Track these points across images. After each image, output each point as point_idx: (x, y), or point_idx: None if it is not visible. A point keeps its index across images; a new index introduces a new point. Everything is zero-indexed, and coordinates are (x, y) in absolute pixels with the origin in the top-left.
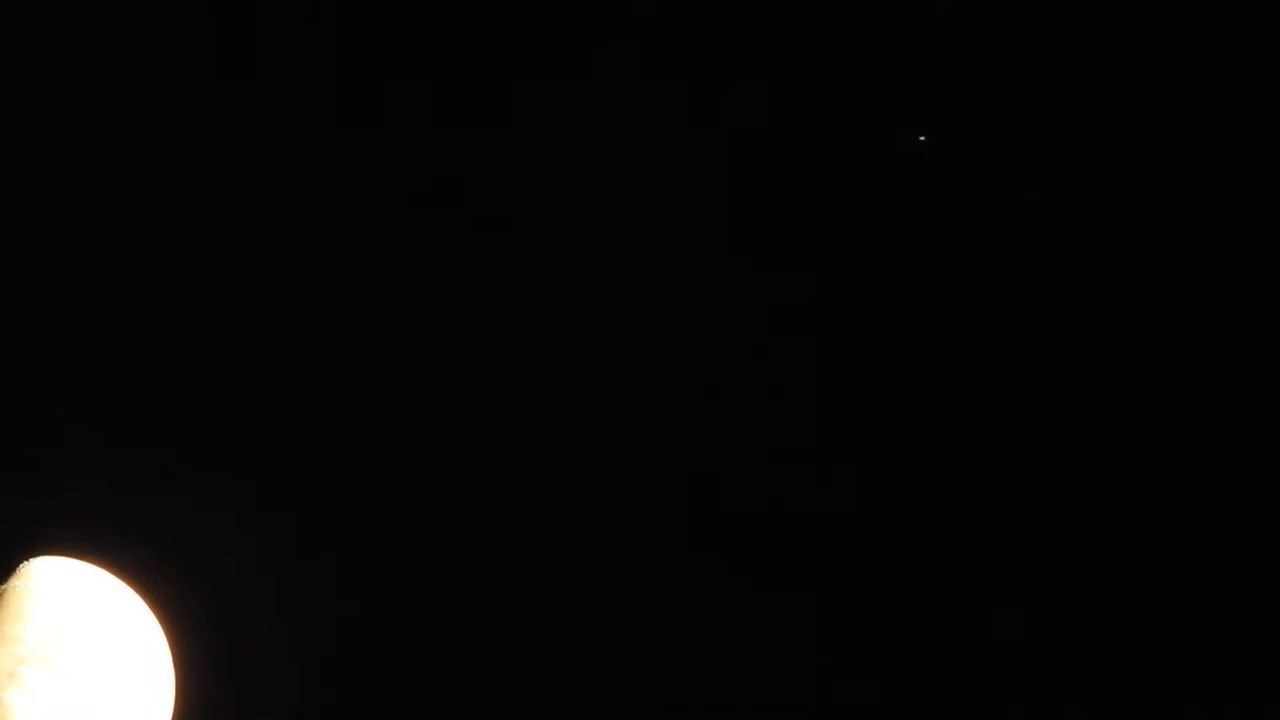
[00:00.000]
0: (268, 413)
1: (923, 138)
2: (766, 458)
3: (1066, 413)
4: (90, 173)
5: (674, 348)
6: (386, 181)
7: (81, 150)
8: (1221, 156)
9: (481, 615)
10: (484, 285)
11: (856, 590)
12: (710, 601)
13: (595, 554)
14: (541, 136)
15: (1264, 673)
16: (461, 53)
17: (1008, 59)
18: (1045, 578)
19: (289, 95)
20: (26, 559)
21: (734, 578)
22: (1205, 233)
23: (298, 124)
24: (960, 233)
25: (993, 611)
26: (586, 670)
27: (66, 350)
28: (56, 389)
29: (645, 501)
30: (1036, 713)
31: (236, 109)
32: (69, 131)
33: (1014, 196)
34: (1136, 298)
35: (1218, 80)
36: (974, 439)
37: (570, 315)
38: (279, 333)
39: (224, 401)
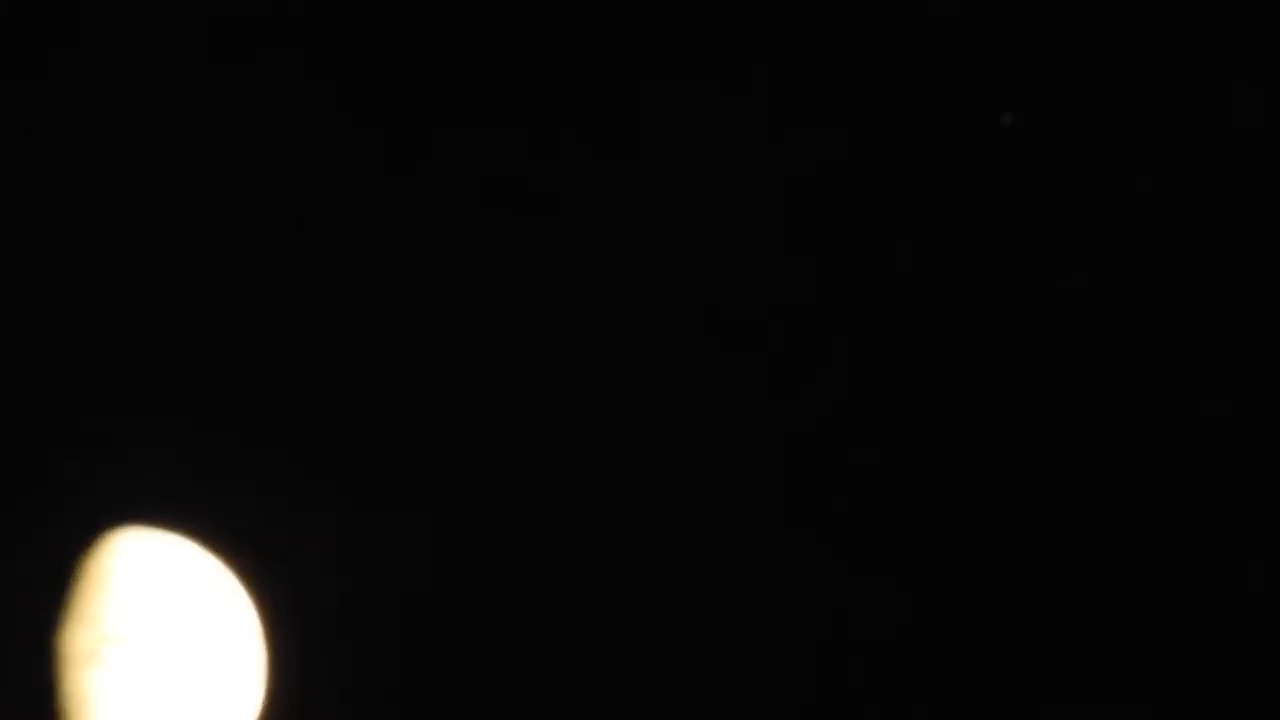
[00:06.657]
0: (360, 396)
1: (1007, 118)
2: (781, 455)
3: (1079, 414)
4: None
5: (707, 339)
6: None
7: (96, 154)
8: (1226, 156)
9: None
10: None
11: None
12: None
13: (644, 543)
14: (582, 132)
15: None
16: (484, 52)
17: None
18: (1047, 580)
19: (313, 87)
20: (108, 534)
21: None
22: (1208, 232)
23: (333, 114)
24: (1043, 219)
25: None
26: (642, 663)
27: (147, 332)
28: (137, 367)
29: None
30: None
31: (245, 102)
32: (86, 131)
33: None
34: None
35: (1223, 81)
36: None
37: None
38: (343, 325)
39: (318, 386)
